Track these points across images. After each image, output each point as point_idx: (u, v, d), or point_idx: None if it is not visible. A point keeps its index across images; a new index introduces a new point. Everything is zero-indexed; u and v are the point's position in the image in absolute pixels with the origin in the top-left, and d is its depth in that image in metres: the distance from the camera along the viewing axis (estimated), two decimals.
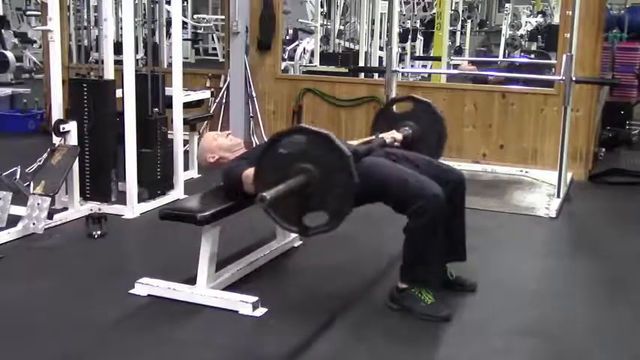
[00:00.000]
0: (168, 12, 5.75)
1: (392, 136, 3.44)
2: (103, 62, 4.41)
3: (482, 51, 13.43)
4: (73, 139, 4.26)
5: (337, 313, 3.05)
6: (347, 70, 7.78)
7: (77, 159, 4.26)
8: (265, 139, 6.20)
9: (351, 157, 2.56)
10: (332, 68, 8.40)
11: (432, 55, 9.49)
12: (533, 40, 12.69)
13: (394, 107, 3.79)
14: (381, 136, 3.39)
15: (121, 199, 4.44)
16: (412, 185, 2.93)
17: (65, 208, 4.33)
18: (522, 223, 4.56)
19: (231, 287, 3.21)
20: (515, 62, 9.17)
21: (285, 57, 8.61)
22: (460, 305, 3.13)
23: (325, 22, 10.53)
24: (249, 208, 3.14)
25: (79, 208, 4.32)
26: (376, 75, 7.17)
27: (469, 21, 12.86)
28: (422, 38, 11.96)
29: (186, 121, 5.22)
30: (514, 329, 2.96)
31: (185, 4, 12.70)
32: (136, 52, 5.98)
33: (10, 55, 10.39)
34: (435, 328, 2.92)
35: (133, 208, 4.41)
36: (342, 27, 10.70)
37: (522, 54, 12.03)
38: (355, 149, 2.92)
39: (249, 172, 2.91)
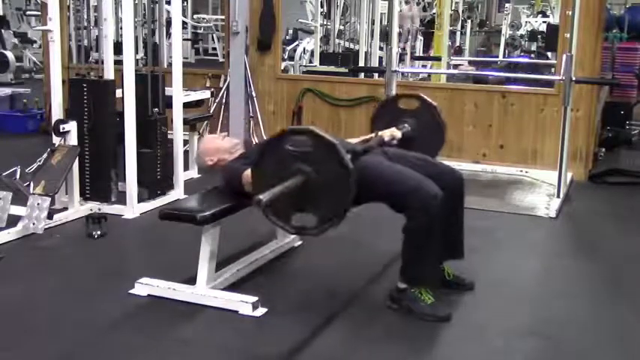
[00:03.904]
0: (168, 12, 5.74)
1: (391, 133, 3.43)
2: (103, 62, 4.41)
3: (482, 51, 13.44)
4: (73, 139, 4.26)
5: (337, 313, 3.05)
6: (347, 70, 7.78)
7: (77, 159, 4.26)
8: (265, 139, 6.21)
9: (354, 172, 2.54)
10: (332, 68, 8.40)
11: (432, 55, 9.49)
12: (533, 40, 12.70)
13: (399, 103, 3.73)
14: (380, 133, 3.38)
15: (121, 199, 4.44)
16: (409, 186, 2.93)
17: (65, 208, 4.32)
18: (522, 223, 4.56)
19: (231, 287, 3.21)
20: (514, 62, 9.16)
21: (285, 57, 8.61)
22: (460, 305, 3.14)
23: (325, 22, 10.52)
24: (249, 208, 3.13)
25: (78, 208, 4.32)
26: (376, 75, 7.17)
27: (469, 21, 12.87)
28: (422, 38, 11.96)
29: (186, 121, 5.22)
30: (514, 329, 2.96)
31: (185, 4, 12.69)
32: (136, 52, 5.96)
33: (10, 55, 10.41)
34: (435, 328, 2.91)
35: (133, 208, 4.41)
36: (342, 27, 10.69)
37: (522, 54, 12.04)
38: (353, 148, 2.91)
39: (249, 172, 2.92)
